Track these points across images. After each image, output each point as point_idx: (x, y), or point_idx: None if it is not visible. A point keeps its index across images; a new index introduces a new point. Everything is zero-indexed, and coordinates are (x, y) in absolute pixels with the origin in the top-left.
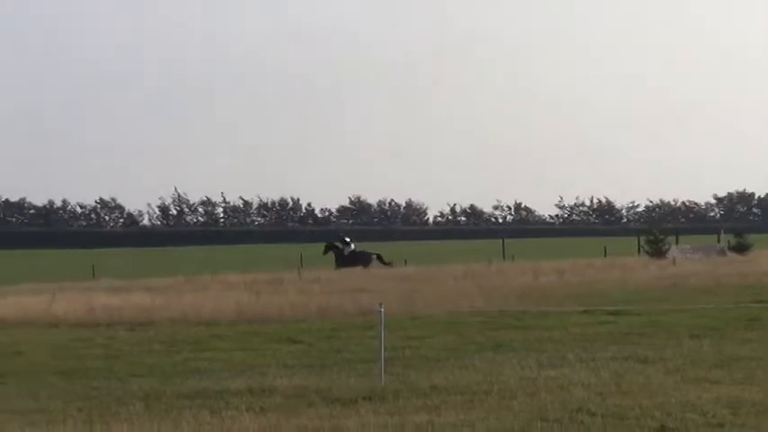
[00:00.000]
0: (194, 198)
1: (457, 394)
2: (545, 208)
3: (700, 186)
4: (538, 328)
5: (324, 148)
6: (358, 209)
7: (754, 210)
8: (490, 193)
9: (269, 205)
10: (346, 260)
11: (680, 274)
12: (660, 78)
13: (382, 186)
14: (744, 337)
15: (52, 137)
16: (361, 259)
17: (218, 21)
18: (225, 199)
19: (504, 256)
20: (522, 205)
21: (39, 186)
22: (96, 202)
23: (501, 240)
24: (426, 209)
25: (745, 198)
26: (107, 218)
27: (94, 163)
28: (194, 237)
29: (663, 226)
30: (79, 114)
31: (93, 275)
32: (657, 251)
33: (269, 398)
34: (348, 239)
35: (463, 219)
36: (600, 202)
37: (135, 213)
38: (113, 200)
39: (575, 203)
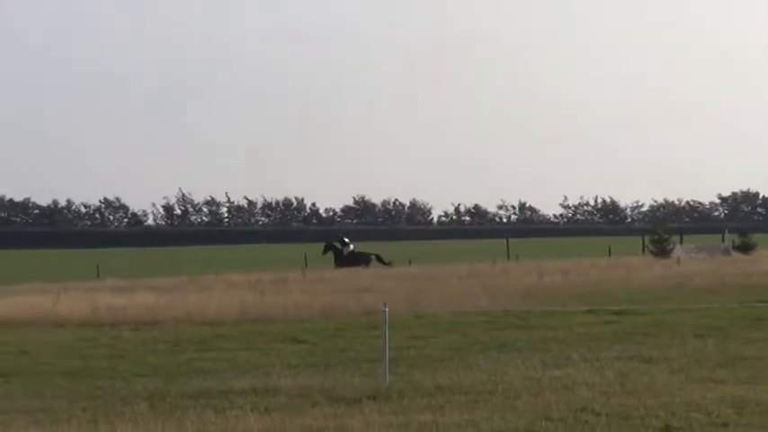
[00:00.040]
0: (198, 198)
1: (461, 394)
2: (549, 208)
3: (701, 186)
4: (542, 327)
5: (325, 148)
6: (362, 209)
7: (759, 209)
8: (494, 193)
9: (273, 205)
10: (345, 260)
11: (684, 273)
12: (660, 78)
13: (384, 186)
14: (748, 336)
15: (55, 137)
16: (360, 260)
17: (218, 21)
18: (229, 199)
19: (508, 256)
20: (527, 205)
21: (43, 186)
22: (101, 202)
23: (505, 240)
24: (431, 209)
25: (749, 198)
26: (111, 218)
27: (99, 163)
28: (198, 236)
29: (667, 226)
30: (81, 114)
31: (98, 275)
32: (662, 251)
33: (273, 397)
34: (347, 240)
35: (467, 218)
36: (604, 201)
37: (139, 213)
38: (118, 200)
39: (579, 203)
